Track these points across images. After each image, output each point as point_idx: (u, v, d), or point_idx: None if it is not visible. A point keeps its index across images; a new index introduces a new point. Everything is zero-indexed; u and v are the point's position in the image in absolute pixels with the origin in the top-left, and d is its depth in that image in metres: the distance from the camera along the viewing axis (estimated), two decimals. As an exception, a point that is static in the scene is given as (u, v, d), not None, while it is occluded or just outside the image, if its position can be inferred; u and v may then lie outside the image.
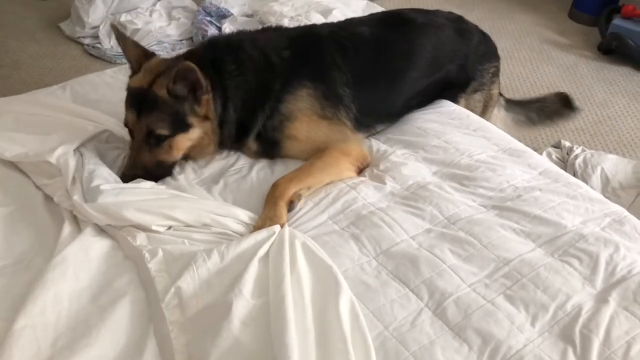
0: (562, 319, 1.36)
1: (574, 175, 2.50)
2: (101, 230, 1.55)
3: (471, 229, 1.60)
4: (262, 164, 1.89)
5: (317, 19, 3.34)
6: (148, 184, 1.68)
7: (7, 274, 1.43)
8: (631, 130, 3.31)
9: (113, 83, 2.27)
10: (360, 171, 1.89)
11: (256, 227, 1.58)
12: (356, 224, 1.62)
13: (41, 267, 1.41)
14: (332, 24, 2.17)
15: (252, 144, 1.90)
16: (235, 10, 3.80)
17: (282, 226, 1.55)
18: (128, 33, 3.77)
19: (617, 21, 3.97)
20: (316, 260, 1.43)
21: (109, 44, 3.82)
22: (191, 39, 3.89)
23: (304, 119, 1.90)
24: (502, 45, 3.60)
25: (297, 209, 1.69)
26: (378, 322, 1.34)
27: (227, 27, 3.61)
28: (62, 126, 1.82)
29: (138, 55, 1.84)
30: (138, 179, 1.70)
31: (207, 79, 1.72)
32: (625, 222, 1.64)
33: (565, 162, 2.66)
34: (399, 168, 1.84)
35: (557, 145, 2.79)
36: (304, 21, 3.27)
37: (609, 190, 2.50)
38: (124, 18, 3.84)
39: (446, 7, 2.70)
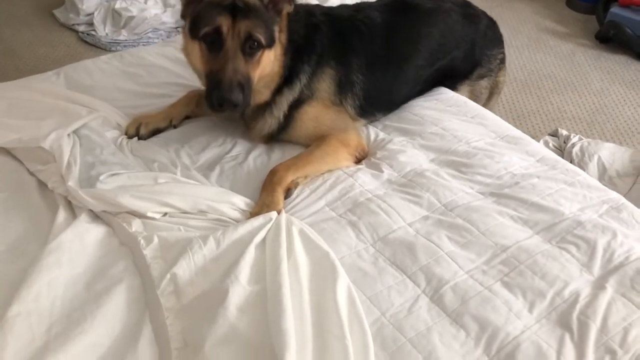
0: (559, 306, 1.36)
1: (571, 163, 2.48)
2: (96, 217, 1.54)
3: (469, 216, 1.59)
4: (259, 151, 1.88)
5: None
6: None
7: (1, 260, 1.42)
8: (628, 119, 3.30)
9: (107, 69, 2.24)
10: (358, 161, 1.88)
11: (253, 213, 1.57)
12: (353, 211, 1.61)
13: (36, 253, 1.39)
14: (348, 6, 2.14)
15: (282, 105, 1.86)
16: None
17: (278, 213, 1.54)
18: (123, 20, 3.75)
19: (614, 9, 3.95)
20: (313, 247, 1.42)
21: (104, 31, 3.79)
22: (187, 26, 3.85)
23: (320, 101, 1.89)
24: (500, 34, 3.58)
25: (293, 195, 1.68)
26: (375, 309, 1.34)
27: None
28: (55, 112, 1.80)
29: None
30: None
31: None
32: (623, 209, 1.63)
33: (562, 151, 2.65)
34: (396, 155, 1.83)
35: (554, 134, 2.78)
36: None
37: (605, 178, 2.50)
38: (118, 5, 3.81)
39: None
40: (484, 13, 2.36)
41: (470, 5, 2.34)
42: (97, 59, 2.32)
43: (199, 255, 1.37)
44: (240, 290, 1.29)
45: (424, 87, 2.19)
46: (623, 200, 1.69)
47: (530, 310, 1.35)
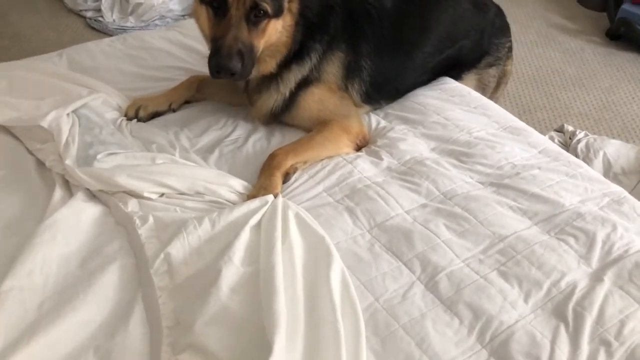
0: (555, 296, 1.34)
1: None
2: (93, 196, 1.54)
3: (467, 205, 1.58)
4: (259, 135, 1.87)
5: None
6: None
7: (-2, 237, 1.42)
8: (636, 117, 3.26)
9: (110, 51, 2.24)
10: (358, 149, 1.86)
11: (250, 196, 1.56)
12: (351, 197, 1.60)
13: (31, 230, 1.39)
14: None
15: (290, 82, 1.84)
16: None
17: (275, 196, 1.53)
18: (130, 7, 3.75)
19: (626, 6, 3.91)
20: (309, 231, 1.42)
21: (111, 17, 3.79)
22: (194, 14, 3.84)
23: (326, 84, 1.88)
24: (508, 28, 3.55)
25: (292, 180, 1.67)
26: (369, 294, 1.33)
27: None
28: (56, 91, 1.80)
29: None
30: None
31: None
32: (624, 202, 1.61)
33: (567, 147, 2.63)
34: (396, 143, 1.81)
35: (560, 130, 2.75)
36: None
37: (610, 175, 2.47)
38: (126, -9, 3.79)
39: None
40: (492, 2, 2.35)
41: None
42: (99, 41, 2.32)
43: (194, 236, 1.36)
44: (233, 270, 1.28)
45: (431, 76, 2.18)
46: (625, 193, 1.66)
47: (526, 300, 1.33)
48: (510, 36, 2.37)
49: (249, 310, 1.22)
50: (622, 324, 1.28)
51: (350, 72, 1.91)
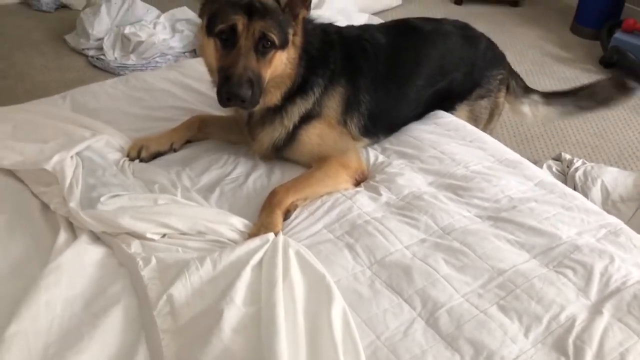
0: (555, 330, 1.35)
1: (574, 188, 2.49)
2: (96, 238, 1.55)
3: (465, 239, 1.60)
4: (259, 172, 1.90)
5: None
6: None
7: (2, 280, 1.44)
8: (632, 144, 3.30)
9: (113, 93, 2.28)
10: (357, 184, 1.89)
11: (251, 234, 1.58)
12: (351, 233, 1.62)
13: (36, 273, 1.41)
14: (355, 27, 2.18)
15: (294, 115, 1.88)
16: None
17: (276, 234, 1.55)
18: (132, 45, 3.83)
19: (618, 35, 3.99)
20: (309, 269, 1.43)
21: (113, 55, 3.86)
22: (194, 51, 3.92)
23: (327, 119, 1.93)
24: (503, 59, 3.60)
25: (292, 217, 1.69)
26: (370, 331, 1.34)
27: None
28: (59, 134, 1.84)
29: None
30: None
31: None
32: (621, 234, 1.63)
33: (565, 175, 2.65)
34: (394, 178, 1.84)
35: (558, 158, 2.78)
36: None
37: (609, 203, 2.49)
38: (128, 30, 3.88)
39: (448, 21, 2.71)
40: (483, 35, 2.40)
41: (469, 27, 2.38)
42: (103, 82, 2.37)
43: (196, 277, 1.38)
44: (235, 311, 1.29)
45: (426, 108, 2.22)
46: (621, 225, 1.68)
47: (526, 334, 1.34)
48: (503, 69, 2.41)
49: (251, 351, 1.23)
50: (622, 357, 1.29)
51: (349, 107, 1.96)
